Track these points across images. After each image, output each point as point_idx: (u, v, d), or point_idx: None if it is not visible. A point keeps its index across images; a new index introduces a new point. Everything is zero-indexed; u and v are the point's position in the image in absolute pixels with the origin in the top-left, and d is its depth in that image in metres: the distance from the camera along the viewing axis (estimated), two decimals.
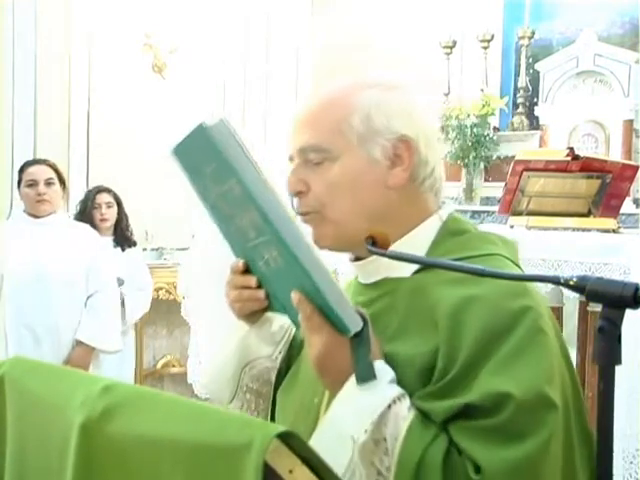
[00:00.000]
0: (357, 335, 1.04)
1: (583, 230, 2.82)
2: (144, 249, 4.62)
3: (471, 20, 5.64)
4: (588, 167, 2.94)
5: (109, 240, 4.01)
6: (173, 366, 5.16)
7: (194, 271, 3.11)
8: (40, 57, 4.81)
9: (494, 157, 5.50)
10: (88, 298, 3.38)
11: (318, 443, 1.00)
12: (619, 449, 2.22)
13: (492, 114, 5.47)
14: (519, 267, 1.19)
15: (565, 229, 2.83)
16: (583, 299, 2.48)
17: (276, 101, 5.67)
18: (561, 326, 2.58)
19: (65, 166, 4.59)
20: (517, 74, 5.67)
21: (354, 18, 5.88)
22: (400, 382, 1.05)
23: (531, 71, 5.54)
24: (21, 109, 4.76)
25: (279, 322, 1.27)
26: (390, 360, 1.07)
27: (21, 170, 3.45)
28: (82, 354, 3.34)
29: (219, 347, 1.35)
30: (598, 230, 2.81)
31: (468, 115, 5.43)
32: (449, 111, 5.48)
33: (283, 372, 1.31)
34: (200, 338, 3.11)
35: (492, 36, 5.57)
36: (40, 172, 3.36)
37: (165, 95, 5.22)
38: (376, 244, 1.14)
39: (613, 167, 2.98)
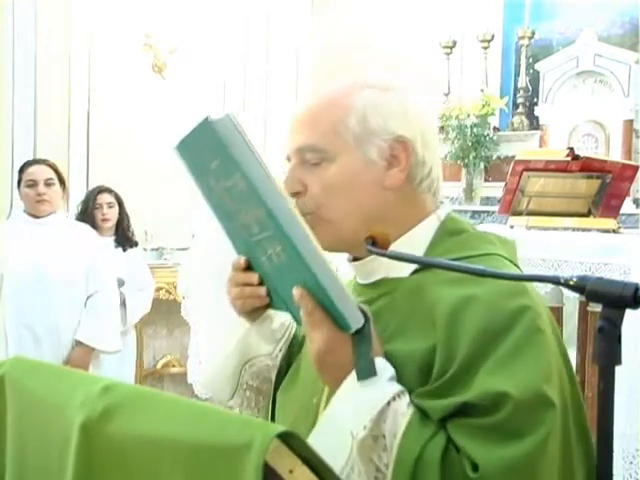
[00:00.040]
0: (358, 332, 1.04)
1: (583, 230, 2.82)
2: (144, 249, 4.62)
3: (471, 20, 5.64)
4: (588, 167, 2.94)
5: (110, 240, 4.01)
6: (173, 366, 5.15)
7: (194, 271, 3.11)
8: (40, 57, 4.81)
9: (494, 157, 5.50)
10: (88, 298, 3.38)
11: (317, 439, 1.00)
12: (619, 449, 2.22)
13: (492, 114, 5.47)
14: (517, 267, 1.19)
15: (565, 229, 2.83)
16: (583, 299, 2.48)
17: (276, 101, 5.66)
18: (561, 326, 2.58)
19: (65, 166, 4.59)
20: (517, 74, 5.67)
21: (354, 18, 5.88)
22: (400, 380, 1.05)
23: (531, 71, 5.54)
24: (21, 109, 4.76)
25: (280, 320, 1.27)
26: (389, 358, 1.07)
27: (21, 170, 3.45)
28: (82, 354, 3.34)
29: (219, 346, 1.35)
30: (598, 230, 2.81)
31: (468, 115, 5.43)
32: (449, 111, 5.48)
33: (283, 370, 1.31)
34: (200, 338, 3.11)
35: (492, 36, 5.58)
36: (40, 172, 3.37)
37: (165, 95, 5.22)
38: (376, 244, 1.14)
39: (613, 167, 2.98)
